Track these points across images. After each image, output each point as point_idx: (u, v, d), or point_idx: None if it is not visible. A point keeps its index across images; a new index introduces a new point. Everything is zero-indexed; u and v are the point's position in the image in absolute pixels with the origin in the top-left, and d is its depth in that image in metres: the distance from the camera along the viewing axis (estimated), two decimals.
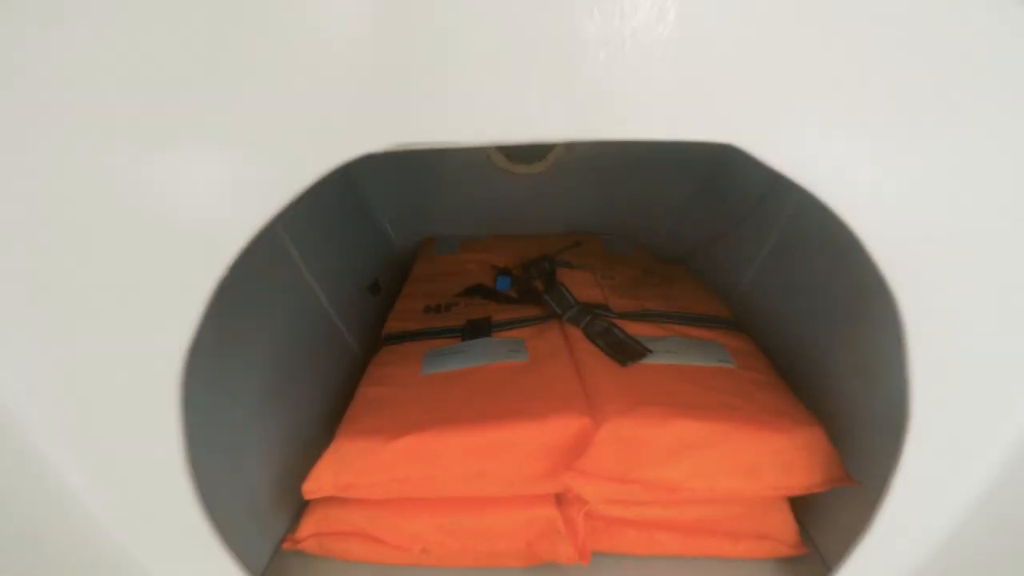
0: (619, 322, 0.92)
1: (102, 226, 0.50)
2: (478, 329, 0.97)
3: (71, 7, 0.45)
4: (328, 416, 0.90)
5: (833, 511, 0.80)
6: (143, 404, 0.57)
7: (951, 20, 0.45)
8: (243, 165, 0.49)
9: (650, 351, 0.83)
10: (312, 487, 0.72)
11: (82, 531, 0.62)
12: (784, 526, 0.77)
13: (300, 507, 0.82)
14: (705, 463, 0.70)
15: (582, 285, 1.06)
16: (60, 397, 0.58)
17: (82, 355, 0.56)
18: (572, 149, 1.47)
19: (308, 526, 0.77)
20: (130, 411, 0.57)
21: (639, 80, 0.45)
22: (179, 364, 0.54)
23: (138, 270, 0.52)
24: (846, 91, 0.47)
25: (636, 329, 0.91)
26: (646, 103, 0.47)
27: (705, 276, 1.21)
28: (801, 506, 0.80)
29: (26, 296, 0.54)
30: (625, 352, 0.83)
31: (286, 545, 0.79)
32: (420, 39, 0.44)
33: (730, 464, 0.71)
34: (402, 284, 1.28)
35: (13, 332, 0.55)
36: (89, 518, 0.61)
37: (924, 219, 0.52)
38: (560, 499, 0.74)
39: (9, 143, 0.48)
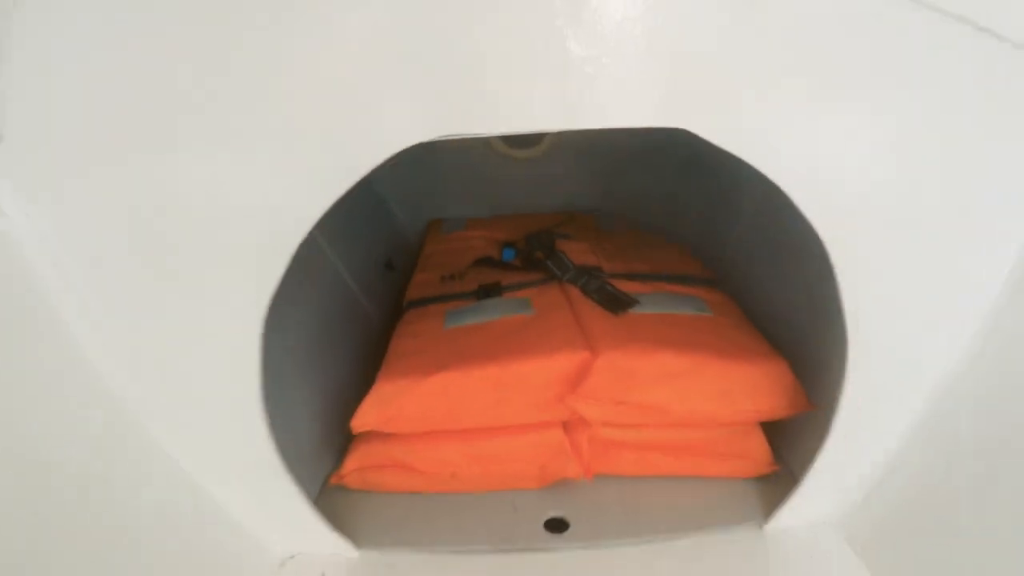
0: (611, 281, 1.06)
1: (212, 211, 0.65)
2: (490, 291, 1.10)
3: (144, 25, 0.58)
4: (355, 373, 1.04)
5: (799, 435, 0.94)
6: (235, 359, 0.71)
7: (855, 24, 0.59)
8: (318, 155, 0.63)
9: (638, 302, 0.97)
10: (359, 422, 0.85)
11: (175, 473, 0.76)
12: (758, 448, 0.92)
13: (340, 452, 0.96)
14: (685, 389, 0.84)
15: (578, 252, 1.19)
16: (167, 358, 0.72)
17: (187, 318, 0.70)
18: (561, 136, 1.59)
19: (352, 462, 0.91)
20: (225, 367, 0.72)
21: (615, 85, 0.60)
22: (260, 325, 0.69)
23: (235, 244, 0.66)
24: (772, 84, 0.61)
25: (626, 287, 1.05)
26: (620, 101, 0.61)
27: (692, 245, 1.34)
28: (773, 432, 0.94)
29: (151, 272, 0.68)
30: (617, 304, 0.97)
31: (333, 480, 0.93)
32: (455, 60, 0.58)
33: (706, 390, 0.85)
34: (412, 261, 1.41)
35: (133, 305, 0.69)
36: (176, 463, 0.76)
37: (843, 183, 0.66)
38: (567, 426, 0.88)
39: (146, 145, 0.62)
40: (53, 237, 0.65)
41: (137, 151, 0.63)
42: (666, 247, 1.30)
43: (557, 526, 0.87)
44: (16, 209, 0.64)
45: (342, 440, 0.96)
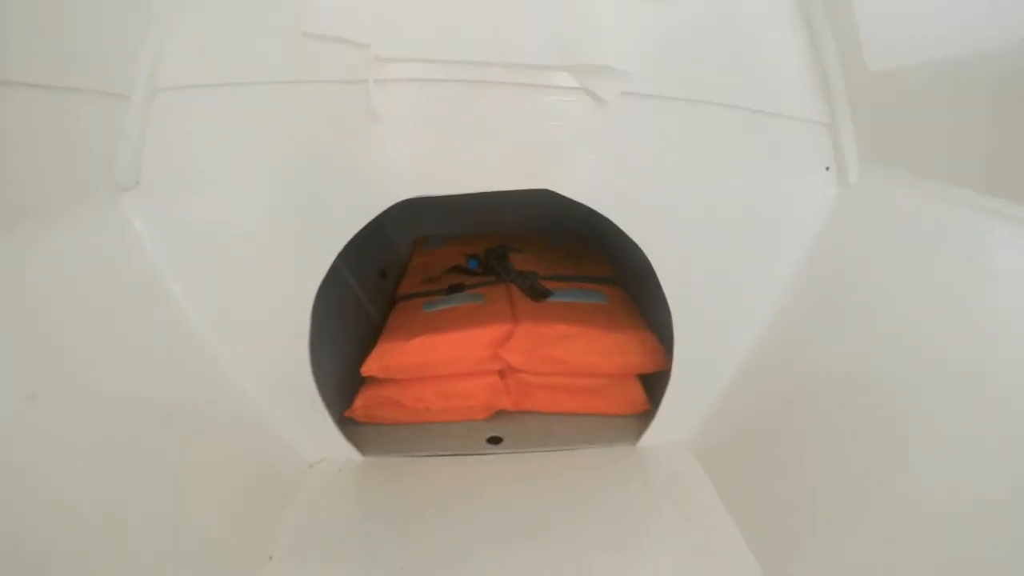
0: (542, 281, 1.52)
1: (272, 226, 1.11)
2: (455, 289, 1.57)
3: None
4: (358, 349, 1.46)
5: (666, 384, 1.35)
6: (293, 323, 1.16)
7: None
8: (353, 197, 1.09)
9: (552, 293, 1.44)
10: (367, 368, 1.32)
11: (241, 401, 1.19)
12: (634, 393, 1.36)
13: (350, 398, 1.38)
14: (575, 348, 1.31)
15: (522, 262, 1.66)
16: (243, 319, 1.16)
17: (260, 293, 1.15)
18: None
19: (360, 400, 1.36)
20: (287, 327, 1.17)
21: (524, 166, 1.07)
22: (311, 302, 1.14)
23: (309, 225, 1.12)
24: (592, 161, 1.09)
25: (552, 285, 1.51)
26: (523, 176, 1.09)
27: (612, 250, 1.79)
28: (650, 384, 1.37)
29: (232, 262, 1.13)
30: (537, 295, 1.44)
31: (346, 414, 1.36)
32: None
33: (590, 349, 1.31)
34: (401, 270, 1.87)
35: (220, 283, 1.14)
36: (242, 388, 1.18)
37: (648, 210, 1.13)
38: (501, 374, 1.34)
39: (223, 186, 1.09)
40: (168, 246, 1.10)
41: (220, 196, 1.09)
42: (590, 257, 1.76)
43: (495, 441, 1.32)
44: (145, 226, 1.10)
45: (351, 391, 1.40)
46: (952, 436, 0.76)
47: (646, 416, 1.32)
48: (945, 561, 0.71)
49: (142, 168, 1.09)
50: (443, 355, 1.31)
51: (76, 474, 0.79)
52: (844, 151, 1.10)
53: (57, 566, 0.71)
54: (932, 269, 0.87)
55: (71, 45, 1.05)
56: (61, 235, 0.95)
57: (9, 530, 0.68)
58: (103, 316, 0.96)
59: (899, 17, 0.99)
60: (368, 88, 1.03)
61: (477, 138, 1.12)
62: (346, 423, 1.34)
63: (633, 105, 1.08)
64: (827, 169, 1.12)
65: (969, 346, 0.78)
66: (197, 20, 1.09)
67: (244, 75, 1.10)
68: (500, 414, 1.39)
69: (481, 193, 1.14)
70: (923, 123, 0.97)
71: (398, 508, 1.18)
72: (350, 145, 1.11)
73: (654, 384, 1.34)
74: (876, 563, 0.80)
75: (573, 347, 1.31)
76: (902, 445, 0.82)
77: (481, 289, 1.55)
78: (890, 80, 1.00)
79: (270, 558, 1.03)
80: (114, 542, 0.79)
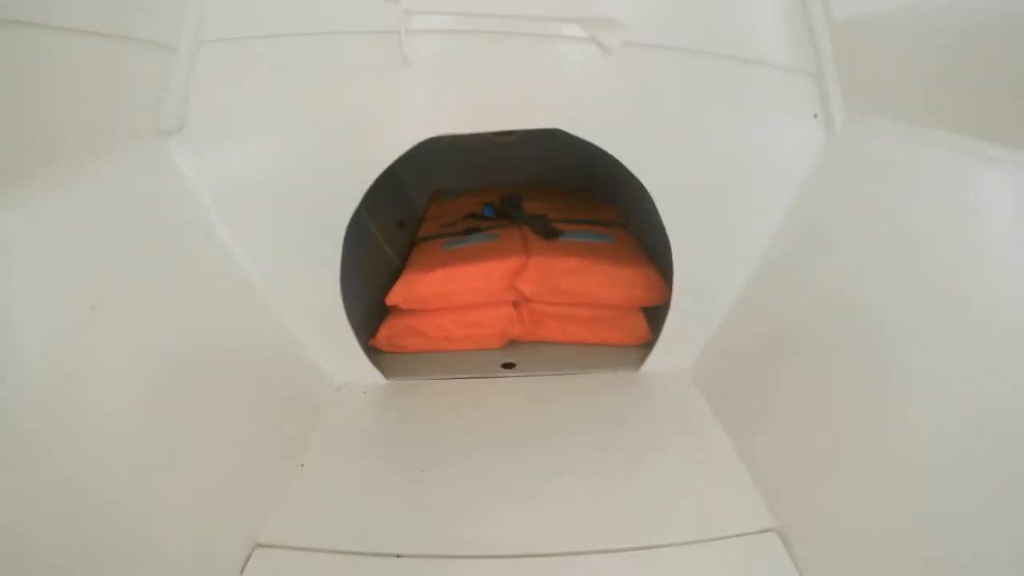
0: (553, 224, 1.63)
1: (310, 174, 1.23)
2: (472, 231, 1.68)
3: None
4: (378, 290, 1.58)
5: (667, 315, 1.46)
6: (324, 258, 1.29)
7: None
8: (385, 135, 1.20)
9: (562, 232, 1.55)
10: (391, 299, 1.44)
11: (279, 331, 1.32)
12: (638, 324, 1.48)
13: (373, 330, 1.51)
14: (583, 280, 1.42)
15: (535, 207, 1.77)
16: (282, 257, 1.28)
17: (296, 234, 1.27)
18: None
19: (384, 330, 1.48)
20: (320, 262, 1.30)
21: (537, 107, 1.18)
22: (340, 242, 1.26)
23: (327, 193, 1.25)
24: (598, 104, 1.19)
25: (563, 227, 1.62)
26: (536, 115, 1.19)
27: (620, 200, 1.89)
28: (652, 318, 1.49)
29: (275, 204, 1.25)
30: (548, 234, 1.55)
31: (371, 343, 1.49)
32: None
33: (597, 281, 1.43)
34: (418, 221, 1.98)
35: (261, 223, 1.25)
36: (277, 317, 1.31)
37: (649, 148, 1.23)
38: (515, 304, 1.46)
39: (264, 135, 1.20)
40: (211, 186, 1.22)
41: (259, 140, 1.21)
42: (599, 205, 1.87)
43: (508, 367, 1.44)
44: (189, 167, 1.21)
45: (374, 325, 1.52)
46: (932, 358, 0.83)
47: (649, 346, 1.44)
48: (918, 460, 0.80)
49: (186, 114, 1.20)
50: (462, 286, 1.42)
51: (132, 380, 0.90)
52: (829, 99, 1.19)
53: (113, 463, 0.82)
54: (912, 207, 0.95)
55: None
56: (112, 170, 1.05)
57: (72, 426, 0.78)
58: (151, 244, 1.08)
59: None
60: (400, 38, 1.13)
61: (496, 82, 1.22)
62: (370, 351, 1.46)
63: (635, 54, 1.18)
64: (815, 116, 1.21)
65: (948, 276, 0.85)
66: None
67: (283, 27, 1.20)
68: (513, 343, 1.51)
69: (495, 147, 1.24)
70: (901, 70, 1.05)
71: (419, 423, 1.31)
72: (381, 90, 1.22)
73: (657, 318, 1.45)
74: (853, 465, 0.90)
75: (581, 279, 1.42)
76: (885, 367, 0.90)
77: (496, 230, 1.66)
78: (867, 28, 1.08)
79: (302, 465, 1.15)
80: (164, 447, 0.91)
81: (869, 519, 0.83)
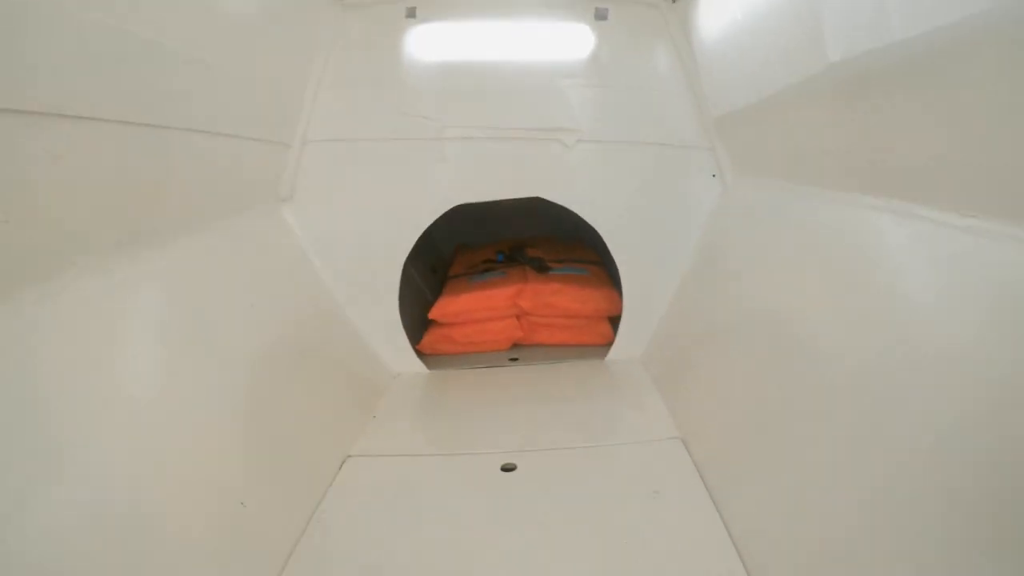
0: (548, 263, 2.27)
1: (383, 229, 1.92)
2: (488, 269, 2.33)
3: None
4: (419, 315, 2.21)
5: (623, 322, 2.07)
6: (388, 281, 1.95)
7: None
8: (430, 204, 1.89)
9: (551, 268, 2.19)
10: (432, 314, 2.09)
11: (352, 333, 1.96)
12: (605, 330, 2.10)
13: (415, 340, 2.12)
14: (565, 298, 2.06)
15: (535, 252, 2.42)
16: (360, 276, 1.94)
17: (368, 267, 1.94)
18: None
19: (427, 338, 2.12)
20: (384, 286, 1.96)
21: (525, 182, 1.86)
22: (403, 262, 1.92)
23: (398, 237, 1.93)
24: (564, 179, 1.88)
25: (552, 264, 2.26)
26: (524, 188, 1.87)
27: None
28: (615, 324, 2.09)
29: (358, 249, 1.92)
30: (542, 269, 2.19)
31: (417, 347, 2.10)
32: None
33: (574, 299, 2.06)
34: (446, 266, 2.64)
35: (350, 266, 1.92)
36: (354, 327, 1.96)
37: (599, 206, 1.90)
38: (518, 317, 2.09)
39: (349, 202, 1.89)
40: (311, 235, 1.88)
41: (344, 205, 1.89)
42: (581, 247, 2.52)
43: (514, 360, 2.05)
44: (296, 222, 1.88)
45: (416, 337, 2.12)
46: (794, 335, 1.23)
47: (611, 344, 2.05)
48: (781, 392, 1.26)
49: (295, 187, 1.88)
50: (481, 305, 2.07)
51: (241, 378, 1.37)
52: (721, 165, 1.83)
53: (251, 410, 1.33)
54: (777, 234, 1.51)
55: (258, 110, 1.78)
56: (245, 223, 1.68)
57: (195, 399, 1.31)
58: (268, 274, 1.70)
59: (728, 77, 1.67)
60: (439, 144, 1.83)
61: (497, 168, 1.90)
62: (417, 353, 2.08)
63: (585, 147, 1.87)
64: (713, 176, 1.85)
65: (802, 278, 1.31)
66: (335, 98, 1.90)
67: (362, 135, 1.90)
68: (517, 345, 2.14)
69: (501, 210, 1.88)
70: (761, 144, 1.66)
71: (453, 396, 1.91)
72: (425, 175, 1.90)
73: (618, 324, 2.06)
74: (733, 400, 1.43)
75: (563, 298, 2.05)
76: (765, 345, 1.36)
77: (505, 269, 2.31)
78: (732, 120, 1.72)
79: (374, 417, 1.73)
80: (289, 405, 1.47)
81: (745, 433, 1.31)
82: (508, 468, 1.41)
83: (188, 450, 1.10)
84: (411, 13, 1.88)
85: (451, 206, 1.91)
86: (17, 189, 0.87)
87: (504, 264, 2.42)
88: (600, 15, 1.86)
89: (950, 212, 0.85)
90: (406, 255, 1.94)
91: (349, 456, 1.51)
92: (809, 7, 1.10)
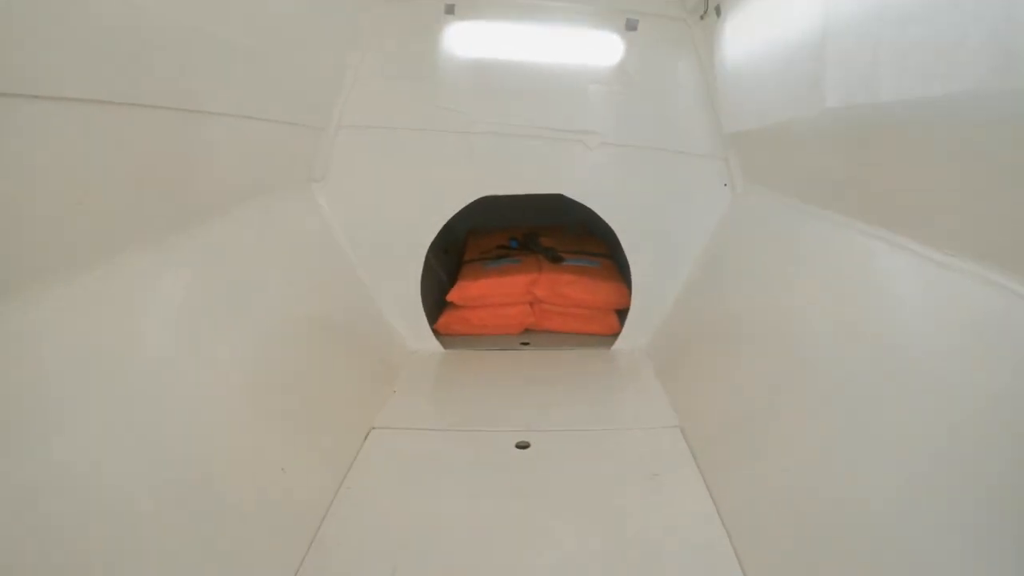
0: (560, 253, 2.39)
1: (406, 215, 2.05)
2: (503, 256, 2.44)
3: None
4: (436, 296, 2.34)
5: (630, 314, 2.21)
6: (410, 264, 2.08)
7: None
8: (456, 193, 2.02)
9: (564, 258, 2.31)
10: (451, 296, 2.21)
11: (376, 313, 2.09)
12: (613, 320, 2.23)
13: (432, 321, 2.24)
14: (576, 289, 2.18)
15: (547, 241, 2.53)
16: (386, 256, 2.06)
17: (393, 248, 2.06)
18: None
19: (443, 319, 2.24)
20: (409, 262, 2.09)
21: (548, 179, 1.99)
22: (428, 245, 2.05)
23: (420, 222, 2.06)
24: (584, 177, 2.00)
25: (565, 255, 2.37)
26: (547, 184, 2.00)
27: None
28: (622, 316, 2.22)
29: (382, 235, 2.05)
30: (555, 259, 2.31)
31: (434, 327, 2.23)
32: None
33: (585, 290, 2.19)
34: (460, 250, 2.75)
35: (375, 246, 2.04)
36: (377, 306, 2.09)
37: (616, 204, 2.02)
38: (531, 303, 2.22)
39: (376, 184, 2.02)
40: (340, 216, 2.00)
41: (374, 188, 2.00)
42: (593, 240, 2.63)
43: (525, 344, 2.19)
44: (327, 203, 2.00)
45: (432, 318, 2.23)
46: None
47: (618, 334, 2.18)
48: (765, 381, 1.48)
49: (327, 169, 1.98)
50: (496, 290, 2.19)
51: (277, 351, 1.50)
52: (733, 175, 1.95)
53: (281, 383, 1.53)
54: (779, 241, 1.62)
55: (296, 96, 1.86)
56: (278, 203, 1.78)
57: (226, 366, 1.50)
58: (299, 251, 1.81)
59: (741, 99, 1.77)
60: (468, 137, 1.93)
61: (522, 163, 2.01)
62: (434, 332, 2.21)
63: (606, 150, 1.97)
64: (725, 185, 1.97)
65: (800, 283, 1.44)
66: (371, 87, 1.99)
67: (394, 123, 2.00)
68: (528, 330, 2.27)
69: (515, 198, 1.99)
70: (774, 159, 1.76)
71: (468, 376, 2.04)
72: (454, 165, 2.01)
73: (623, 316, 2.19)
74: (729, 392, 1.56)
75: (576, 289, 2.18)
76: (760, 344, 1.52)
77: (519, 256, 2.43)
78: (744, 136, 1.83)
79: (394, 392, 1.86)
80: (313, 375, 1.59)
81: (736, 425, 1.45)
82: (522, 446, 1.54)
83: (237, 423, 1.22)
84: (450, 9, 1.96)
85: (476, 197, 2.03)
86: (71, 173, 0.92)
87: (518, 251, 2.53)
88: (631, 25, 1.95)
89: (932, 248, 0.98)
90: (431, 240, 2.06)
91: (373, 428, 1.63)
92: (813, 54, 1.20)
